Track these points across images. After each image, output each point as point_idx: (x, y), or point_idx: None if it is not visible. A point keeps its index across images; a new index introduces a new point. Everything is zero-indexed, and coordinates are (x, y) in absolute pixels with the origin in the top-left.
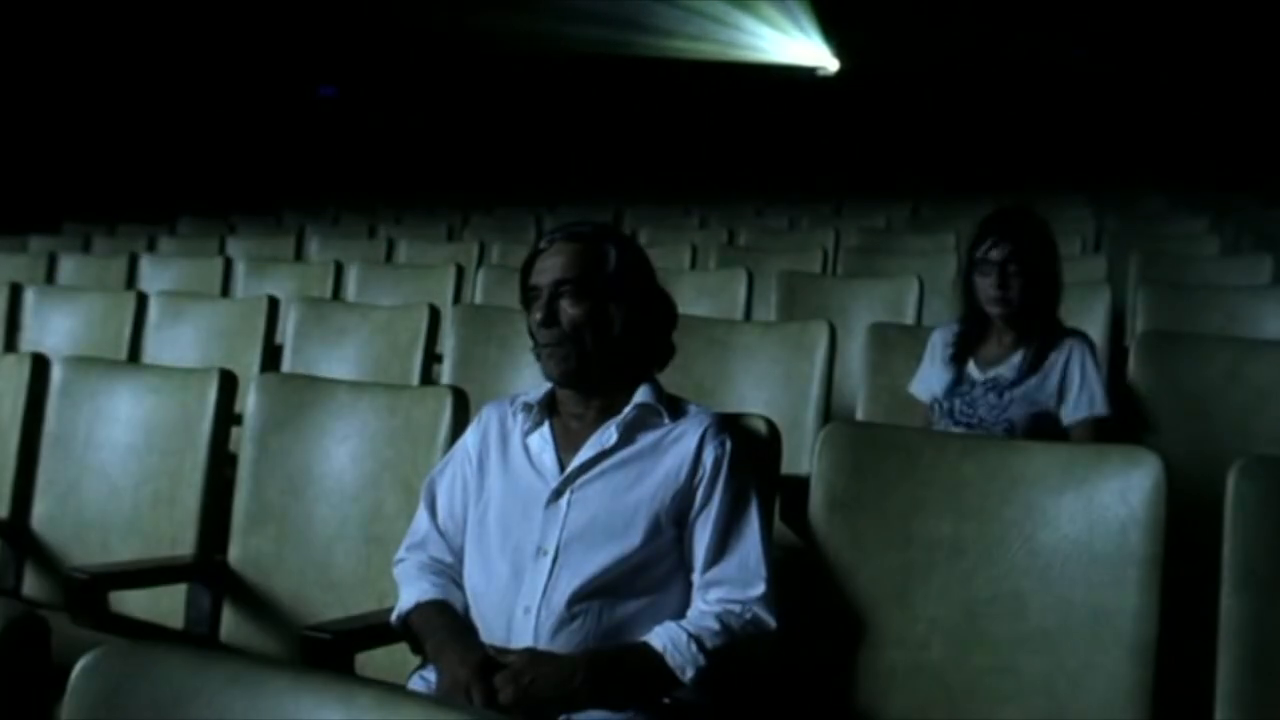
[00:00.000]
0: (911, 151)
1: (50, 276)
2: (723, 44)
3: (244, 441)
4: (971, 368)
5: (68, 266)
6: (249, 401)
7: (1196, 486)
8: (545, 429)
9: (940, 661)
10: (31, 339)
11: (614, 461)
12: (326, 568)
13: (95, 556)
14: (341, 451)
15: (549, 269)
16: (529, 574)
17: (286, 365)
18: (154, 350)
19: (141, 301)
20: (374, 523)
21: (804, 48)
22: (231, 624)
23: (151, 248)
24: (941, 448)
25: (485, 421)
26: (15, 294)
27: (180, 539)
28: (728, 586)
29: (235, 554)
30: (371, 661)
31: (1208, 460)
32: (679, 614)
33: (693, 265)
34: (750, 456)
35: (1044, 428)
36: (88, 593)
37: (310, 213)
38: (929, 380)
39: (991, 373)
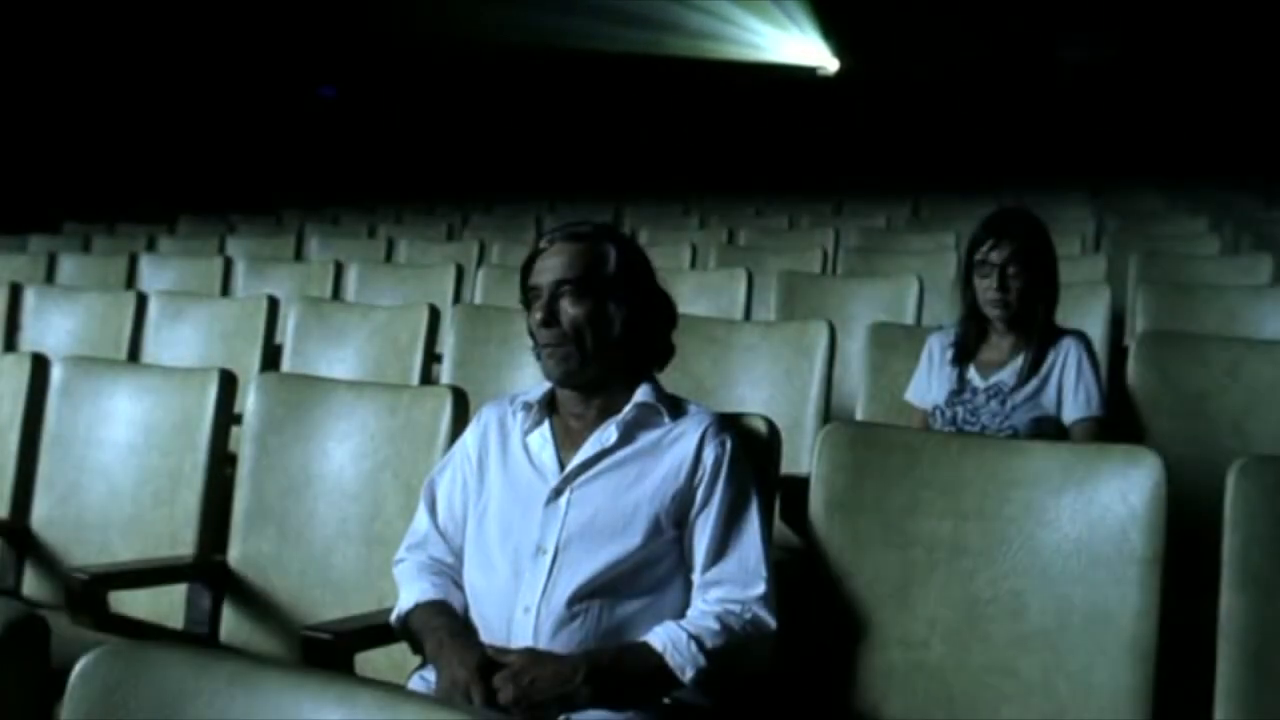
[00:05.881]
0: (911, 151)
1: (50, 276)
2: (723, 43)
3: (244, 441)
4: (973, 375)
5: (68, 266)
6: (249, 401)
7: (1196, 486)
8: (545, 428)
9: (940, 661)
10: (31, 339)
11: (614, 460)
12: (326, 568)
13: (95, 556)
14: (341, 451)
15: (549, 269)
16: (528, 573)
17: (286, 365)
18: (154, 350)
19: (141, 301)
20: (374, 523)
21: (804, 47)
22: (231, 624)
23: (151, 248)
24: (941, 448)
25: (485, 421)
26: (15, 294)
27: (180, 539)
28: (728, 586)
29: (235, 554)
30: (371, 661)
31: (1208, 460)
32: (679, 614)
33: (693, 265)
34: (750, 456)
35: (1047, 433)
36: (88, 593)
37: (310, 212)
38: (928, 387)
39: (993, 379)
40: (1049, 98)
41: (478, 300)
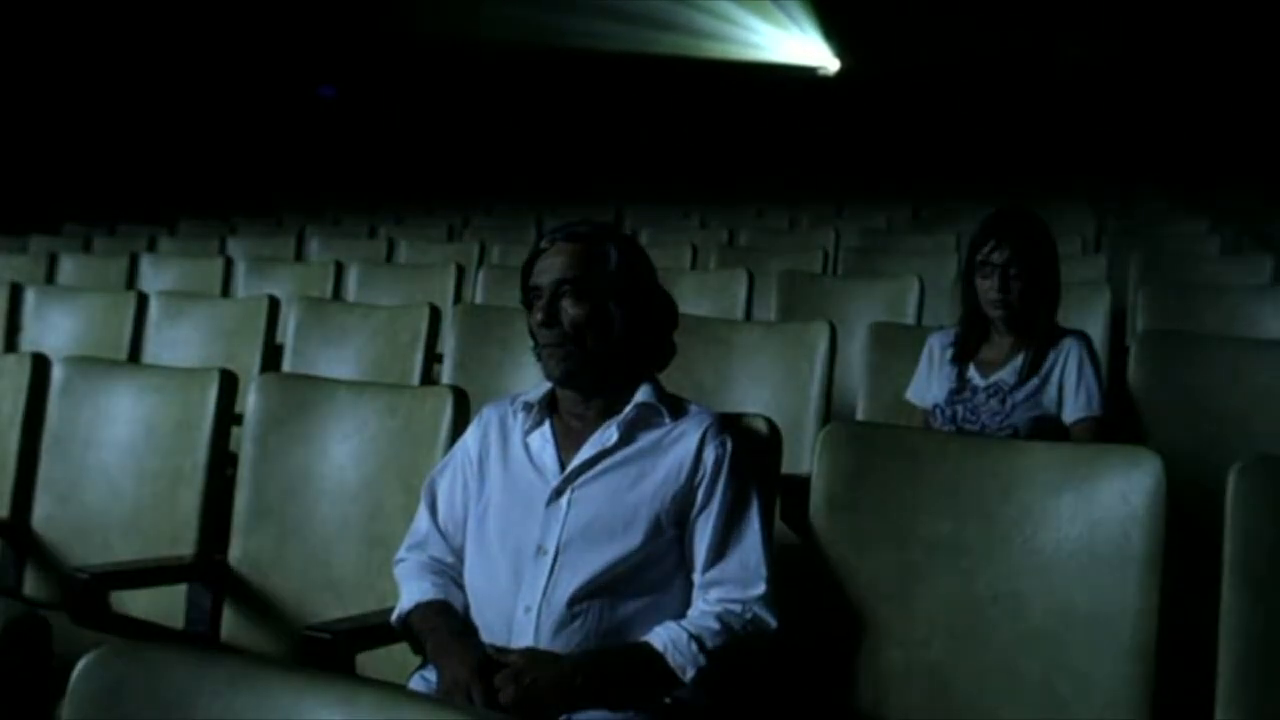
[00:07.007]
0: (912, 151)
1: (50, 276)
2: (723, 43)
3: (244, 441)
4: (973, 374)
5: (68, 266)
6: (249, 401)
7: (1196, 486)
8: (546, 428)
9: (940, 661)
10: (31, 339)
11: (614, 461)
12: (326, 568)
13: (95, 556)
14: (342, 451)
15: (550, 269)
16: (529, 573)
17: (287, 365)
18: (154, 350)
19: (142, 301)
20: (374, 523)
21: (804, 47)
22: (231, 624)
23: (152, 248)
24: (941, 448)
25: (485, 421)
26: (15, 294)
27: (180, 539)
28: (728, 586)
29: (235, 554)
30: (371, 661)
31: (1208, 460)
32: (679, 614)
33: (693, 265)
34: (751, 456)
35: (1047, 432)
36: (88, 593)
37: (310, 213)
38: (928, 387)
39: (993, 378)
40: (1050, 98)
41: (478, 300)
